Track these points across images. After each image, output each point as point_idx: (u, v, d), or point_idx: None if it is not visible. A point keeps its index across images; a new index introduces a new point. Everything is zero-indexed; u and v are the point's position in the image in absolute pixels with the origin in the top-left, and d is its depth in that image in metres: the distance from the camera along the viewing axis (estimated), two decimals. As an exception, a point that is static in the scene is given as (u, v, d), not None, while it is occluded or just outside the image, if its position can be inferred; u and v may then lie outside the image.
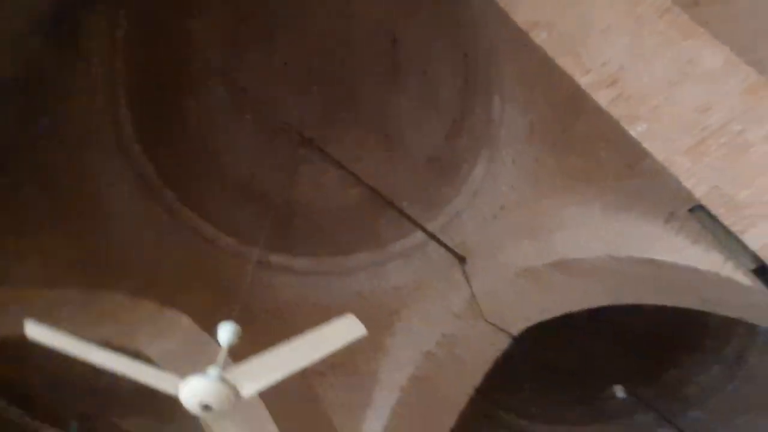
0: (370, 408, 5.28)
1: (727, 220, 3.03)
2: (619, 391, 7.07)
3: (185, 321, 5.02)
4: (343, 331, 2.54)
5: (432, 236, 5.34)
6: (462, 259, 5.32)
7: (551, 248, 4.47)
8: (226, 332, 2.73)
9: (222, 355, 2.60)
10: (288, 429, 5.03)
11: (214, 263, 5.53)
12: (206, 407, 2.38)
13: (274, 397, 5.05)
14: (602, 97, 3.32)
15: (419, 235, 5.57)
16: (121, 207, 5.00)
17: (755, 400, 6.96)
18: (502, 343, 5.25)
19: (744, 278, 3.12)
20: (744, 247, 2.98)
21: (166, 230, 5.35)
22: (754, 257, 2.94)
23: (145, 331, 5.08)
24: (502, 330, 5.13)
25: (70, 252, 4.60)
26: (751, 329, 6.92)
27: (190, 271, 5.33)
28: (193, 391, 2.39)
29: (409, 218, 5.40)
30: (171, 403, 5.83)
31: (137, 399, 7.09)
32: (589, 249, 4.16)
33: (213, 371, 2.44)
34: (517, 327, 5.17)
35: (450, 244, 5.38)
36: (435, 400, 5.24)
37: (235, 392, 2.45)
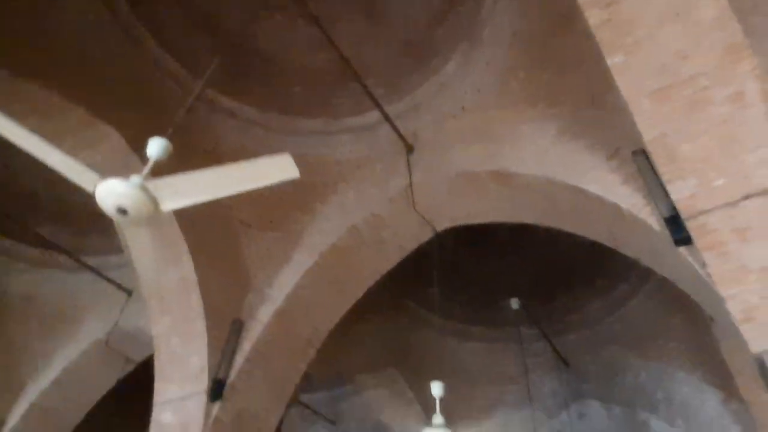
0: (288, 265, 5.48)
1: (661, 167, 3.21)
2: (515, 304, 7.76)
3: (115, 137, 4.81)
4: (276, 168, 2.52)
5: (388, 119, 5.27)
6: (410, 149, 5.35)
7: (496, 157, 4.59)
8: (156, 146, 2.63)
9: (148, 165, 2.53)
10: (202, 263, 5.17)
11: (155, 86, 5.22)
12: (122, 211, 2.35)
13: (194, 231, 5.12)
14: (594, 17, 3.25)
15: (375, 115, 5.49)
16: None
17: (621, 337, 7.91)
18: (425, 236, 5.51)
19: (656, 224, 3.38)
20: (666, 195, 3.19)
21: (110, 38, 4.92)
22: (671, 207, 3.17)
23: (72, 137, 4.82)
24: (428, 223, 5.36)
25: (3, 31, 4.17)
26: (641, 280, 7.68)
27: (129, 87, 5.01)
28: (111, 191, 2.33)
29: (370, 96, 5.26)
30: (89, 215, 5.73)
31: (56, 207, 6.96)
32: (530, 166, 4.31)
33: (135, 178, 2.39)
34: (443, 224, 5.41)
35: (403, 131, 5.36)
36: (349, 272, 5.52)
37: (154, 203, 2.42)
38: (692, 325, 6.94)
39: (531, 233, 8.24)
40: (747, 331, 2.66)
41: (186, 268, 5.24)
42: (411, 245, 5.60)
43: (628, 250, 4.18)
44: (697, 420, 7.24)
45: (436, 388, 4.26)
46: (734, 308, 2.74)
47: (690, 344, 7.16)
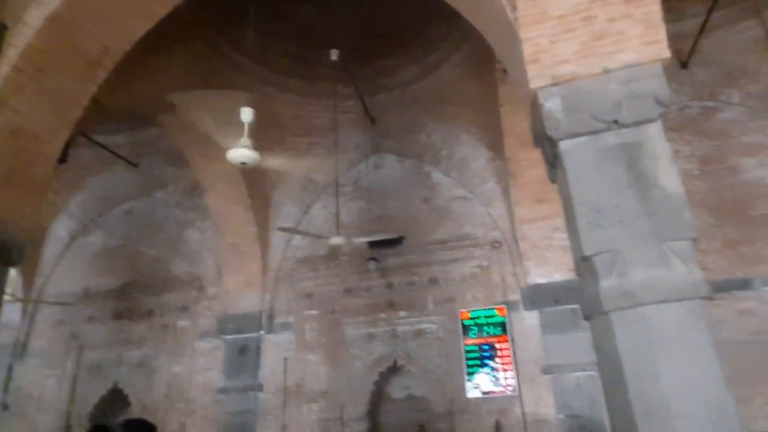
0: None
1: None
2: (334, 54, 7.64)
3: None
4: None
5: None
6: None
7: None
8: None
9: None
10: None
11: None
12: None
13: None
14: None
15: None
16: None
17: (424, 101, 8.60)
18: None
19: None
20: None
21: None
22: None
23: None
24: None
25: None
26: (452, 48, 8.11)
27: None
28: None
29: None
30: None
31: None
32: None
33: None
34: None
35: None
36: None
37: None
38: (484, 95, 7.80)
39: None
40: (531, 71, 3.03)
41: None
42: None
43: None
44: (467, 172, 8.73)
45: (245, 114, 4.20)
46: (527, 50, 3.05)
47: (478, 111, 8.16)
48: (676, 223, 2.68)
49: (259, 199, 9.03)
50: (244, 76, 8.22)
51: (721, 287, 6.80)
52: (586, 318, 3.06)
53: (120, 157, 9.36)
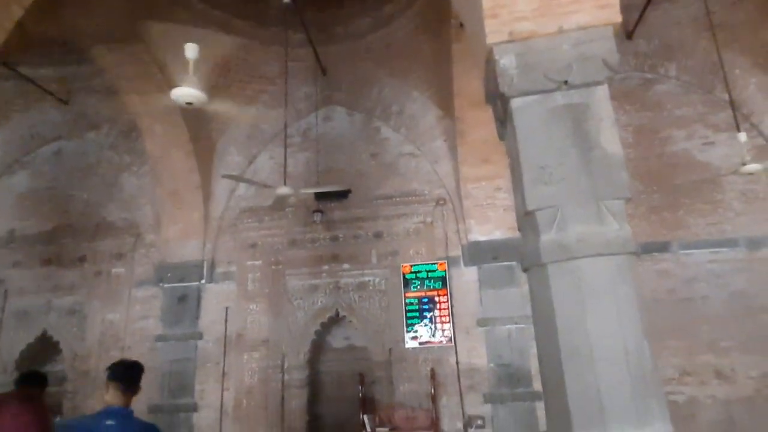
0: None
1: None
2: (286, -2, 7.29)
3: None
4: None
5: None
6: None
7: None
8: None
9: None
10: None
11: None
12: None
13: None
14: None
15: None
16: None
17: (377, 55, 8.43)
18: None
19: None
20: None
21: None
22: None
23: None
24: None
25: None
26: (408, 2, 7.95)
27: None
28: None
29: None
30: None
31: None
32: None
33: None
34: None
35: None
36: None
37: None
38: (437, 52, 7.76)
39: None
40: (489, 26, 3.04)
41: None
42: None
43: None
44: (416, 129, 8.76)
45: (190, 50, 3.97)
46: (486, 4, 3.04)
47: (430, 69, 8.14)
48: (613, 183, 2.84)
49: (202, 146, 8.70)
50: (188, 12, 7.72)
51: (644, 249, 7.34)
52: (525, 270, 3.22)
53: (48, 92, 8.68)
